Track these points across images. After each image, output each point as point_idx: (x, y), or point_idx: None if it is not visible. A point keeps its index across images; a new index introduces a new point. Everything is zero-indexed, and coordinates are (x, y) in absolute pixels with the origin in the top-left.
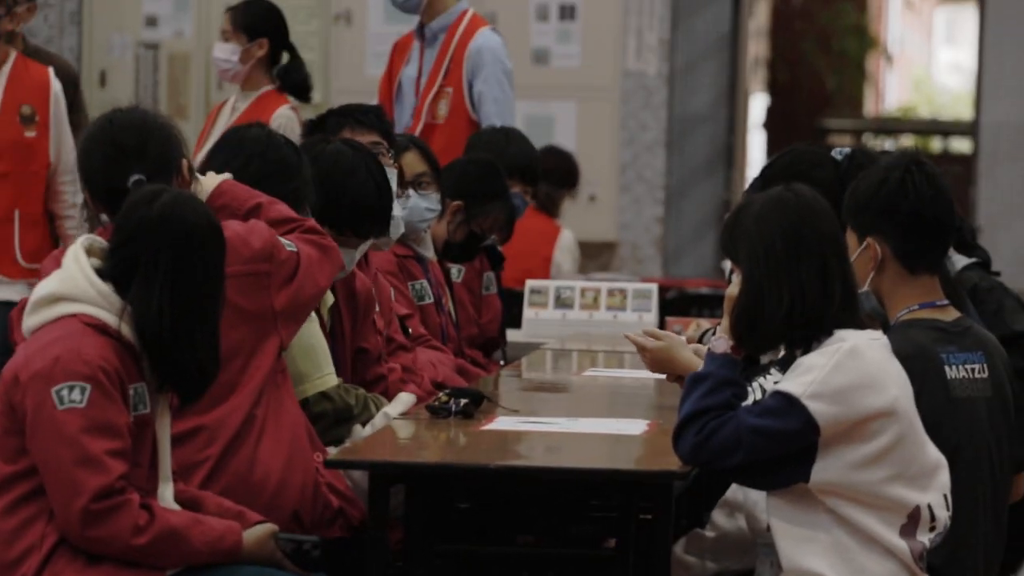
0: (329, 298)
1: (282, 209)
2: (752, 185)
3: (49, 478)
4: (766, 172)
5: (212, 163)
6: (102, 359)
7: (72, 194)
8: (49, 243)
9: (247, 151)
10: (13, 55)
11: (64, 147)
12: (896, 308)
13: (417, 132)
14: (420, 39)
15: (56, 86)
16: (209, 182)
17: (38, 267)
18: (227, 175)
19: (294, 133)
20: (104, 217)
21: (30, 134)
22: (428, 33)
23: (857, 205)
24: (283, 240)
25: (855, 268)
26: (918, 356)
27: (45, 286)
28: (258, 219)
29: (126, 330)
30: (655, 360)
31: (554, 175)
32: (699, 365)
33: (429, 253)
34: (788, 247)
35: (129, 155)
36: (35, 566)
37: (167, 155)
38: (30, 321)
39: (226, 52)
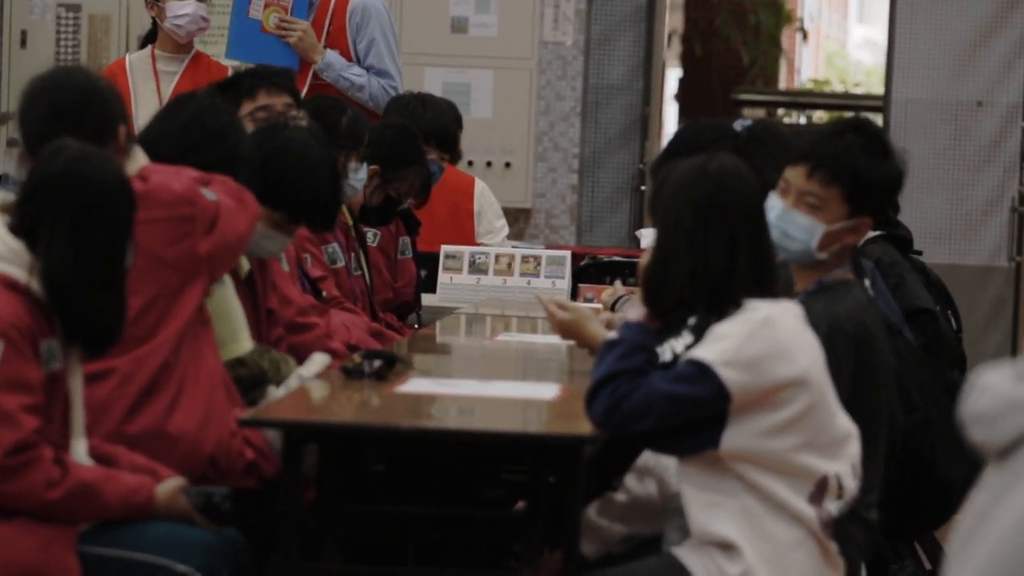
0: (245, 265)
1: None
2: (657, 158)
3: None
4: (670, 145)
5: (157, 126)
6: (13, 315)
7: None
8: None
9: (187, 116)
10: None
11: None
12: (832, 266)
13: (304, 93)
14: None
15: None
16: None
17: None
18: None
19: None
20: None
21: None
22: None
23: (870, 187)
24: (203, 191)
25: (834, 236)
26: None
27: None
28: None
29: (36, 286)
30: (563, 330)
31: None
32: (605, 337)
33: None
34: (697, 216)
35: (67, 118)
36: None
37: (105, 121)
38: None
39: (204, 11)
